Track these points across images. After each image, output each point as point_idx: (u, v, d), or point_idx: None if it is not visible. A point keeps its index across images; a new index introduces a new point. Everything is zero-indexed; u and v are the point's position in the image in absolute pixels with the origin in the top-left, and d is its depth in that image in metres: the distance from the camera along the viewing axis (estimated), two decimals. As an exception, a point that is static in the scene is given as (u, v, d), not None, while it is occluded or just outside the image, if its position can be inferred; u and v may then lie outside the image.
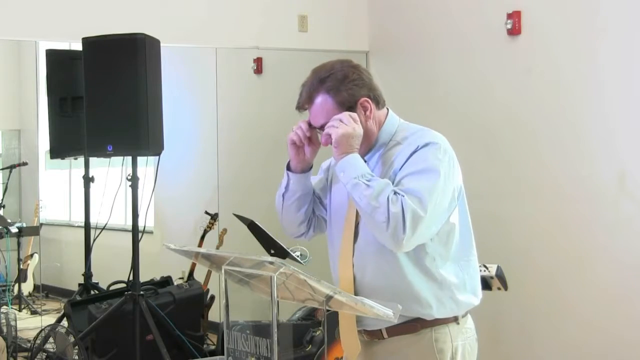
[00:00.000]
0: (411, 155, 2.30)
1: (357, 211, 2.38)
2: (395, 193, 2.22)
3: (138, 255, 4.65)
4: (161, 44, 4.58)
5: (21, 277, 6.11)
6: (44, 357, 4.82)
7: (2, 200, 6.08)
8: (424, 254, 2.33)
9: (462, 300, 2.38)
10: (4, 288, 5.88)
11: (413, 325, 2.35)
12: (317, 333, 4.41)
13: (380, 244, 2.30)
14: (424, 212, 2.22)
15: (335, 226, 2.50)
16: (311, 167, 2.51)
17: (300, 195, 2.53)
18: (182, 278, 5.57)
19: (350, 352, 2.43)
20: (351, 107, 2.34)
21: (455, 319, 2.39)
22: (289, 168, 2.52)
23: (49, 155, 5.49)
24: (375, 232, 2.27)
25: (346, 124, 2.29)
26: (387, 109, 2.46)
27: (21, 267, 6.10)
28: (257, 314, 3.58)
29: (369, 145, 2.41)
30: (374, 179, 2.25)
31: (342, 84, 2.33)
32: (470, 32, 5.02)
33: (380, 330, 2.40)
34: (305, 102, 2.37)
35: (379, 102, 2.41)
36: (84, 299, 5.15)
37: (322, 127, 2.37)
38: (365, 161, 2.41)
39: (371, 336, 2.44)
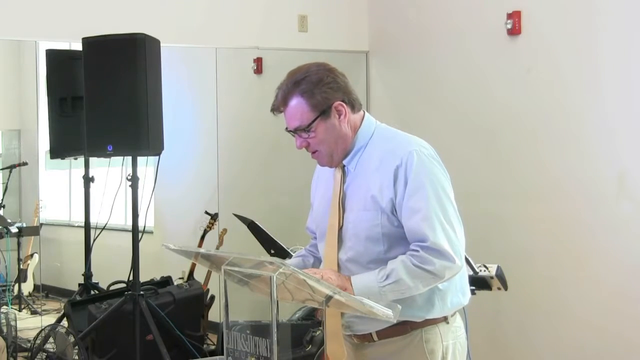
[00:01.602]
0: (397, 173, 2.29)
1: (339, 217, 2.39)
2: (412, 253, 2.25)
3: (138, 255, 4.65)
4: (161, 44, 4.58)
5: (21, 277, 6.10)
6: (44, 357, 4.82)
7: (2, 200, 6.08)
8: None
9: (451, 300, 2.39)
10: (4, 288, 5.87)
11: (403, 327, 2.35)
12: (317, 333, 4.41)
13: (365, 250, 2.32)
14: (450, 226, 2.27)
15: (320, 232, 2.51)
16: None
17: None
18: (182, 278, 5.57)
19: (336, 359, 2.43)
20: (325, 111, 2.34)
21: (444, 319, 2.39)
22: None
23: (49, 155, 5.49)
24: (439, 284, 2.31)
25: (326, 276, 2.28)
26: (364, 112, 2.45)
27: (21, 267, 6.10)
28: (256, 314, 3.58)
29: (345, 149, 2.41)
30: (390, 272, 2.25)
31: (316, 87, 2.33)
32: (470, 32, 5.02)
33: (370, 333, 2.40)
34: (280, 105, 2.38)
35: (354, 106, 2.40)
36: (84, 299, 5.15)
37: (296, 130, 2.37)
38: (344, 165, 2.42)
39: (362, 339, 2.43)
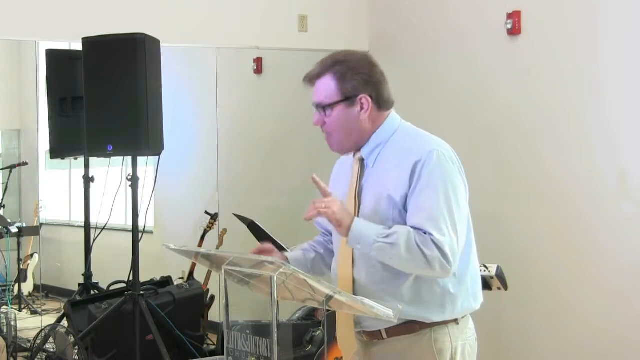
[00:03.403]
0: (414, 169, 2.29)
1: (355, 209, 2.39)
2: (420, 232, 2.23)
3: (138, 255, 4.65)
4: (161, 44, 4.58)
5: (21, 277, 6.11)
6: (44, 357, 4.82)
7: (2, 200, 6.08)
8: None
9: (462, 304, 2.38)
10: (4, 288, 5.88)
11: (412, 325, 2.35)
12: (317, 333, 4.41)
13: None
14: (455, 232, 2.25)
15: (336, 234, 2.50)
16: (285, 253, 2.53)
17: (308, 270, 2.53)
18: (182, 278, 5.57)
19: (347, 351, 2.44)
20: (350, 99, 2.36)
21: (455, 320, 2.38)
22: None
23: (49, 155, 5.49)
24: (423, 274, 2.29)
25: (329, 205, 2.27)
26: (391, 111, 2.46)
27: (21, 267, 6.10)
28: (257, 314, 3.58)
29: (357, 143, 2.42)
30: (392, 233, 2.24)
31: (350, 73, 2.36)
32: (470, 32, 5.02)
33: (379, 330, 2.40)
34: (313, 77, 2.41)
35: (381, 106, 2.41)
36: (84, 299, 5.15)
37: (317, 106, 2.40)
38: (363, 159, 2.42)
39: (371, 337, 2.43)
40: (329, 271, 2.56)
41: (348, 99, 2.36)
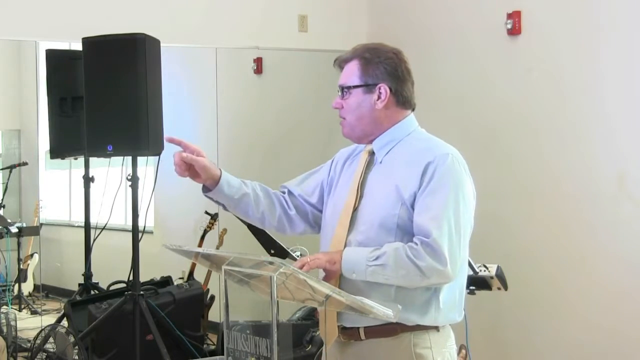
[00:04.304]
0: (426, 168, 2.30)
1: (356, 199, 2.40)
2: (411, 245, 2.24)
3: (138, 255, 4.65)
4: (161, 44, 4.58)
5: (21, 277, 6.11)
6: (44, 357, 4.82)
7: (2, 200, 6.08)
8: None
9: (446, 315, 2.36)
10: (4, 288, 5.88)
11: (392, 327, 2.31)
12: (317, 333, 4.41)
13: (376, 237, 2.31)
14: (457, 236, 2.25)
15: (331, 212, 2.50)
16: (219, 178, 2.47)
17: (234, 203, 2.50)
18: (182, 278, 5.57)
19: (329, 338, 2.40)
20: (369, 85, 2.39)
21: (435, 328, 2.36)
22: (206, 190, 2.51)
23: (49, 155, 5.49)
24: (425, 286, 2.29)
25: (314, 256, 2.28)
26: (411, 113, 2.46)
27: (21, 267, 6.10)
28: (257, 314, 3.58)
29: (369, 132, 2.42)
30: (381, 254, 2.25)
31: (376, 59, 2.40)
32: (470, 32, 5.02)
33: (357, 330, 2.37)
34: (343, 61, 2.45)
35: (399, 101, 2.41)
36: (84, 299, 5.15)
37: (341, 88, 2.43)
38: (373, 153, 2.43)
39: (348, 337, 2.39)
40: (253, 215, 2.52)
41: (367, 85, 2.39)
